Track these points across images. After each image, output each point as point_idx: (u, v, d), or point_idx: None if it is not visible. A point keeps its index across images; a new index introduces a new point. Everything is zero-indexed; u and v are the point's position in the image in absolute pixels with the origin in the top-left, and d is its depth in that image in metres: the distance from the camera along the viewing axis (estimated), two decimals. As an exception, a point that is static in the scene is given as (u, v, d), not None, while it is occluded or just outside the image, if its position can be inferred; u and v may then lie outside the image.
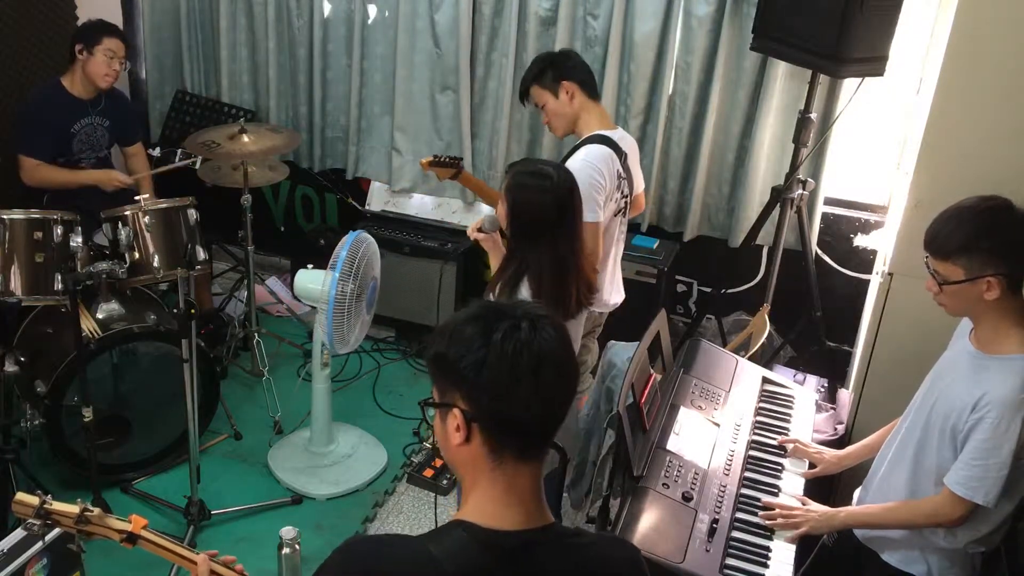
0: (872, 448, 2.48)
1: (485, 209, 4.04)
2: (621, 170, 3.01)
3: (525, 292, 2.44)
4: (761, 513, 2.35)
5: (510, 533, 1.27)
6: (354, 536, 1.33)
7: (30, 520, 1.76)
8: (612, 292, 3.20)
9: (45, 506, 1.74)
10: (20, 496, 1.77)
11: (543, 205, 2.42)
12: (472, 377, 1.24)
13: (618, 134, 3.05)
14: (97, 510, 1.78)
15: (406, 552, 1.27)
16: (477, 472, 1.29)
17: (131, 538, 1.79)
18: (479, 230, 2.69)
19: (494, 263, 2.63)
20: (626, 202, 3.10)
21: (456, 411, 1.26)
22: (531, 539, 1.28)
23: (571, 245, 2.50)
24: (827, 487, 2.77)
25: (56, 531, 2.09)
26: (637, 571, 1.38)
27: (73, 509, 1.77)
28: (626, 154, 3.05)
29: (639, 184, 3.24)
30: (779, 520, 2.33)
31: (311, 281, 3.26)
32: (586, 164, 2.87)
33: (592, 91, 3.03)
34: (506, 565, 1.26)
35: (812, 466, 2.58)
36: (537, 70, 3.01)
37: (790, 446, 2.62)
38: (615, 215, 3.05)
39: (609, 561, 1.35)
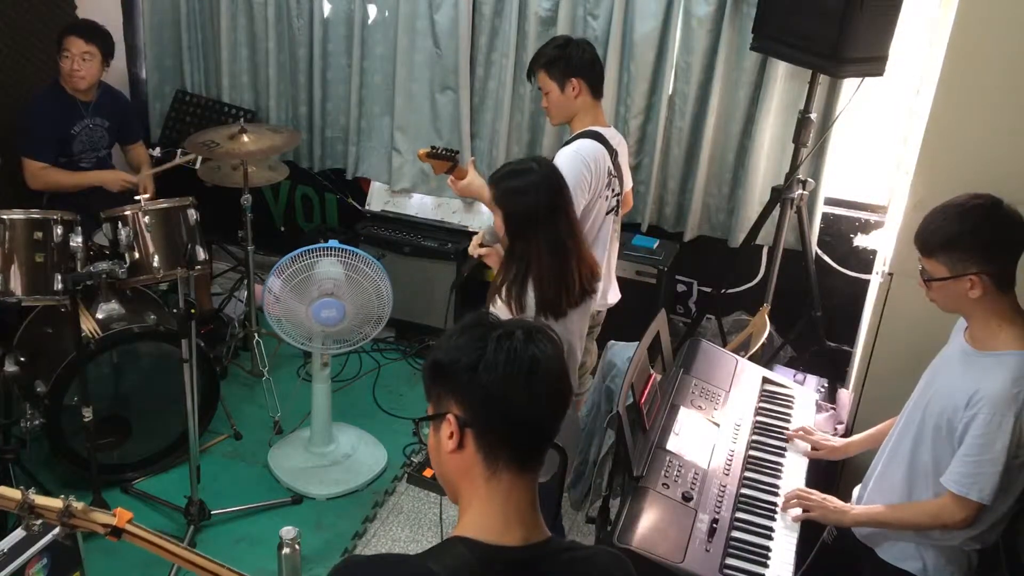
0: (874, 440, 2.49)
1: (485, 212, 4.04)
2: (612, 168, 3.01)
3: (531, 291, 2.43)
4: (784, 495, 2.39)
5: (512, 549, 1.26)
6: (353, 556, 1.32)
7: (30, 521, 1.76)
8: (608, 291, 3.21)
9: (28, 501, 1.74)
10: (2, 490, 1.76)
11: (534, 197, 2.41)
12: (466, 379, 1.24)
13: (609, 132, 3.06)
14: (81, 504, 1.78)
15: (407, 571, 1.25)
16: (472, 484, 1.28)
17: (116, 532, 1.78)
18: (481, 245, 2.66)
19: None
20: (617, 200, 3.10)
21: (450, 417, 1.26)
22: (532, 555, 1.27)
23: (569, 229, 2.48)
24: (828, 485, 2.78)
25: (56, 531, 2.09)
26: None
27: (57, 503, 1.76)
28: (616, 152, 3.06)
29: (627, 182, 3.25)
30: (794, 501, 2.35)
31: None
32: (576, 156, 2.89)
33: (597, 91, 3.03)
34: None
35: (814, 450, 2.64)
36: (549, 57, 2.97)
37: (799, 434, 2.66)
38: (607, 214, 3.06)
39: (607, 575, 1.34)
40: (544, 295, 2.42)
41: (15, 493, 1.75)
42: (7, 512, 2.98)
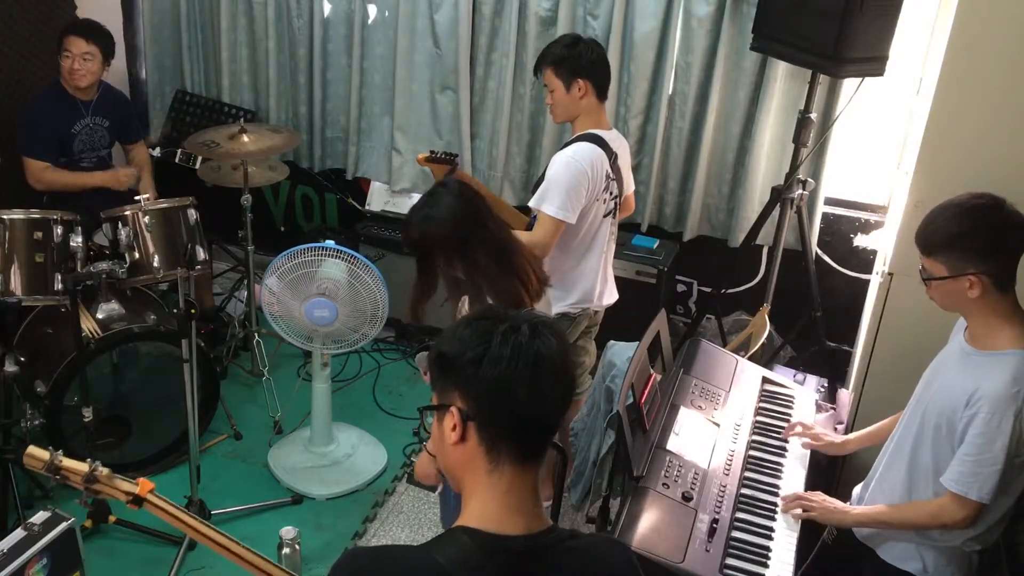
0: (873, 437, 2.49)
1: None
2: (610, 171, 3.01)
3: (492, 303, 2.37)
4: (781, 497, 2.39)
5: (514, 538, 1.27)
6: (356, 548, 1.32)
7: (29, 522, 1.77)
8: (605, 292, 3.20)
9: (56, 462, 1.78)
10: (31, 450, 1.81)
11: (452, 218, 2.34)
12: (470, 372, 1.24)
13: (611, 135, 3.05)
14: (106, 470, 1.83)
15: (411, 561, 1.26)
16: (475, 475, 1.29)
17: (137, 500, 1.83)
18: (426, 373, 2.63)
19: None
20: (615, 203, 3.10)
21: (453, 410, 1.27)
22: (535, 544, 1.28)
23: (499, 229, 2.41)
24: (828, 485, 2.78)
25: (56, 531, 2.10)
26: (632, 572, 1.39)
27: (83, 467, 1.80)
28: (616, 155, 3.05)
29: (629, 185, 3.23)
30: (795, 502, 2.35)
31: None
32: (574, 160, 2.88)
33: (602, 93, 3.01)
34: (512, 570, 1.26)
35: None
36: (558, 56, 2.94)
37: (797, 428, 2.67)
38: (604, 216, 3.05)
39: (607, 563, 1.36)
40: (508, 300, 2.32)
41: (44, 453, 1.81)
42: (7, 512, 3.00)
